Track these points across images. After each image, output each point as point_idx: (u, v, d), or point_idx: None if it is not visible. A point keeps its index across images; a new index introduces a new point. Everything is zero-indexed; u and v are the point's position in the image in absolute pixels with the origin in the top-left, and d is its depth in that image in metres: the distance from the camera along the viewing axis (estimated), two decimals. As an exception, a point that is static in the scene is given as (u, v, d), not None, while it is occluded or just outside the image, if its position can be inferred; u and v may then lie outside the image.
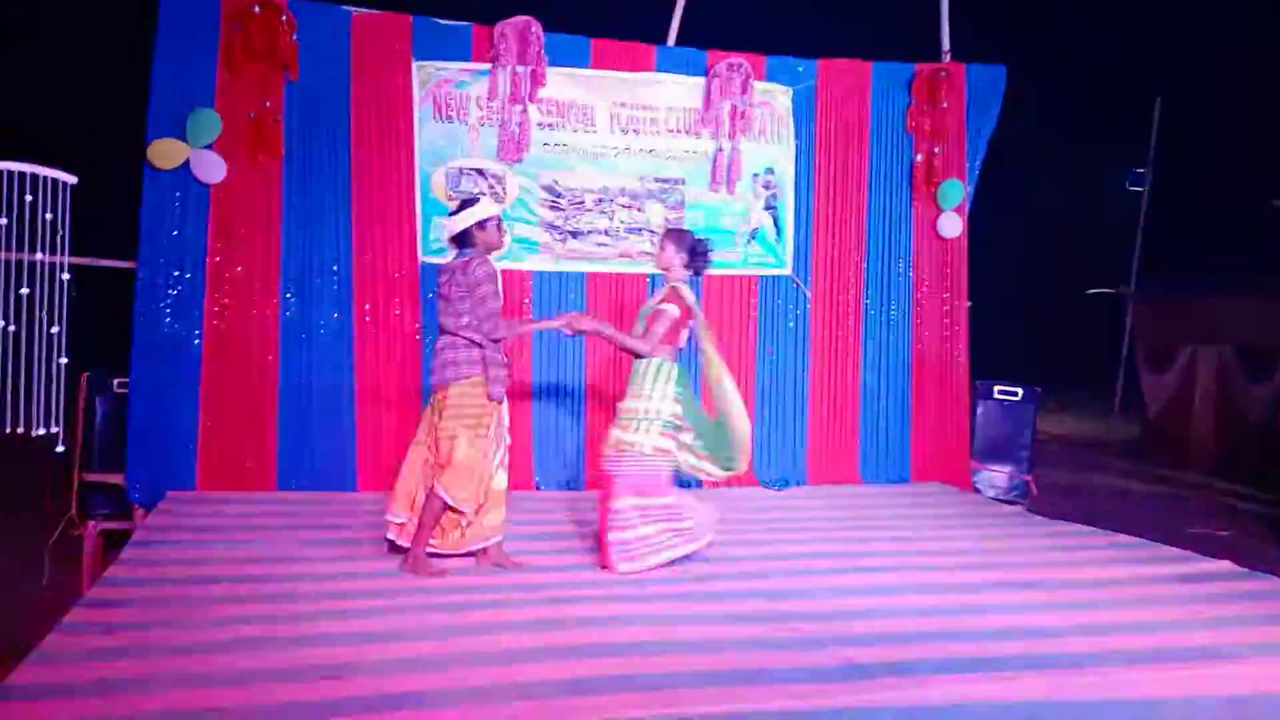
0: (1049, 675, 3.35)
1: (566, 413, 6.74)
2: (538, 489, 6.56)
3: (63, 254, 4.96)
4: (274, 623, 3.71)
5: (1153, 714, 3.32)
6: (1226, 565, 5.01)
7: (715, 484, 6.79)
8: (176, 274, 5.97)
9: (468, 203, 4.61)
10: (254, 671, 3.19)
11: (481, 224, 4.52)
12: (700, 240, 4.89)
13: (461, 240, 4.54)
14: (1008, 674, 3.34)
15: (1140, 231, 15.21)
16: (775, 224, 7.12)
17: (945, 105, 7.19)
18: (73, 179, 5.04)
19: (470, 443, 4.37)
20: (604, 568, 4.58)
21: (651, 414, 4.64)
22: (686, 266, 4.81)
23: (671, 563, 4.62)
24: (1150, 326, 12.93)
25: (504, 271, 6.51)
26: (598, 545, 4.70)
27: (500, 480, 4.60)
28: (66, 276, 4.97)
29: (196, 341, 5.99)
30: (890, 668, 3.37)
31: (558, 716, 2.93)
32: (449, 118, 6.49)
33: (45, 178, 4.91)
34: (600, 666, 3.33)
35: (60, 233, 4.93)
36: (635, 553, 4.55)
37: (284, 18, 6.00)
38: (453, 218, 4.58)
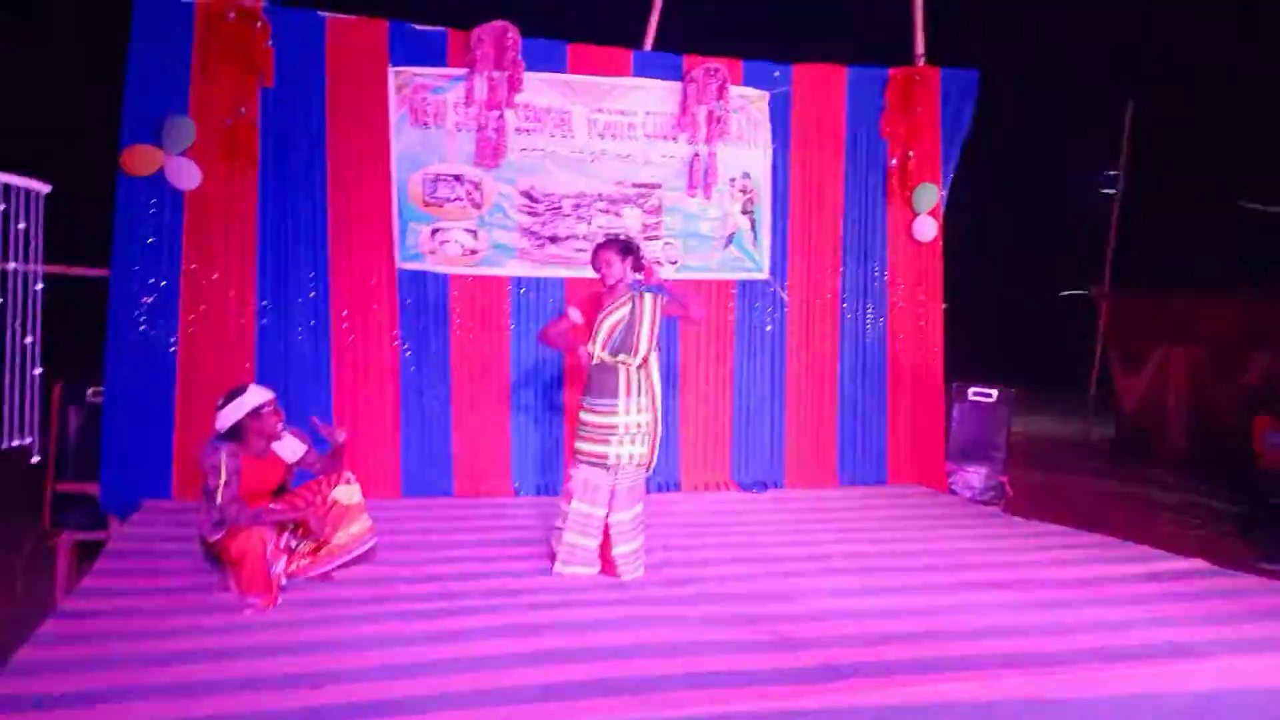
0: (1024, 674, 3.39)
1: (546, 417, 6.74)
2: (516, 494, 6.56)
3: (36, 263, 4.92)
4: (250, 631, 3.69)
5: (1126, 711, 3.37)
6: (1198, 563, 5.08)
7: (694, 487, 6.85)
8: (151, 282, 5.92)
9: (235, 393, 4.25)
10: (230, 681, 3.18)
11: (255, 413, 4.20)
12: (630, 240, 4.88)
13: (235, 434, 4.18)
14: (984, 673, 3.38)
15: (1112, 233, 15.36)
16: (752, 228, 7.15)
17: (919, 109, 7.26)
18: (45, 187, 5.01)
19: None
20: (610, 574, 4.65)
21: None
22: (634, 270, 4.75)
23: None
24: (1123, 327, 13.06)
25: (482, 278, 6.58)
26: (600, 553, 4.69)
27: (351, 495, 4.50)
28: (39, 286, 4.93)
29: (172, 350, 5.95)
30: (867, 668, 3.40)
31: (537, 722, 2.94)
32: (425, 123, 6.48)
33: (17, 186, 4.87)
34: (579, 671, 3.34)
35: (33, 241, 4.89)
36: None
37: (258, 24, 5.97)
38: (221, 411, 4.19)
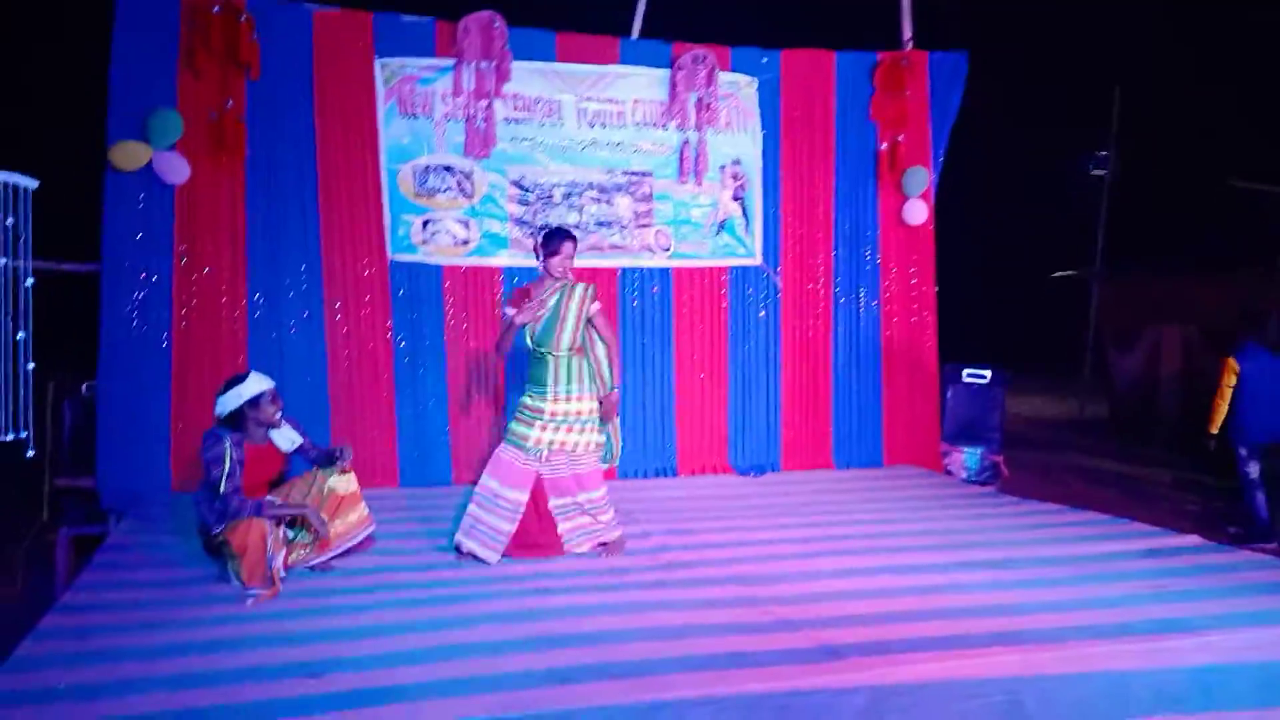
0: (1021, 651, 3.40)
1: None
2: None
3: (25, 258, 4.90)
4: (250, 622, 3.70)
5: (1122, 686, 3.39)
6: (1193, 539, 5.11)
7: (691, 472, 6.87)
8: (142, 276, 5.92)
9: (234, 381, 4.30)
10: (231, 672, 3.19)
11: (253, 402, 4.26)
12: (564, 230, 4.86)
13: (233, 422, 4.25)
14: (980, 651, 3.39)
15: (1103, 214, 15.40)
16: (744, 214, 7.15)
17: (908, 93, 7.27)
18: (33, 183, 4.98)
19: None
20: (555, 553, 4.72)
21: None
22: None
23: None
24: (1116, 308, 13.09)
25: (474, 268, 6.58)
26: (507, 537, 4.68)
27: (348, 484, 4.51)
28: (29, 281, 4.92)
29: (165, 344, 5.94)
30: (864, 648, 3.42)
31: (538, 706, 2.95)
32: (414, 114, 6.46)
33: (4, 182, 4.85)
34: (579, 655, 3.35)
35: (22, 237, 4.88)
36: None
37: (244, 17, 5.94)
38: (220, 398, 4.25)
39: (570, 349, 4.64)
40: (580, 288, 4.70)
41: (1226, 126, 16.95)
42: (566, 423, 4.65)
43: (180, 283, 5.98)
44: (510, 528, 4.61)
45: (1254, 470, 6.63)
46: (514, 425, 4.69)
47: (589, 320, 4.69)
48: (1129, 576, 4.40)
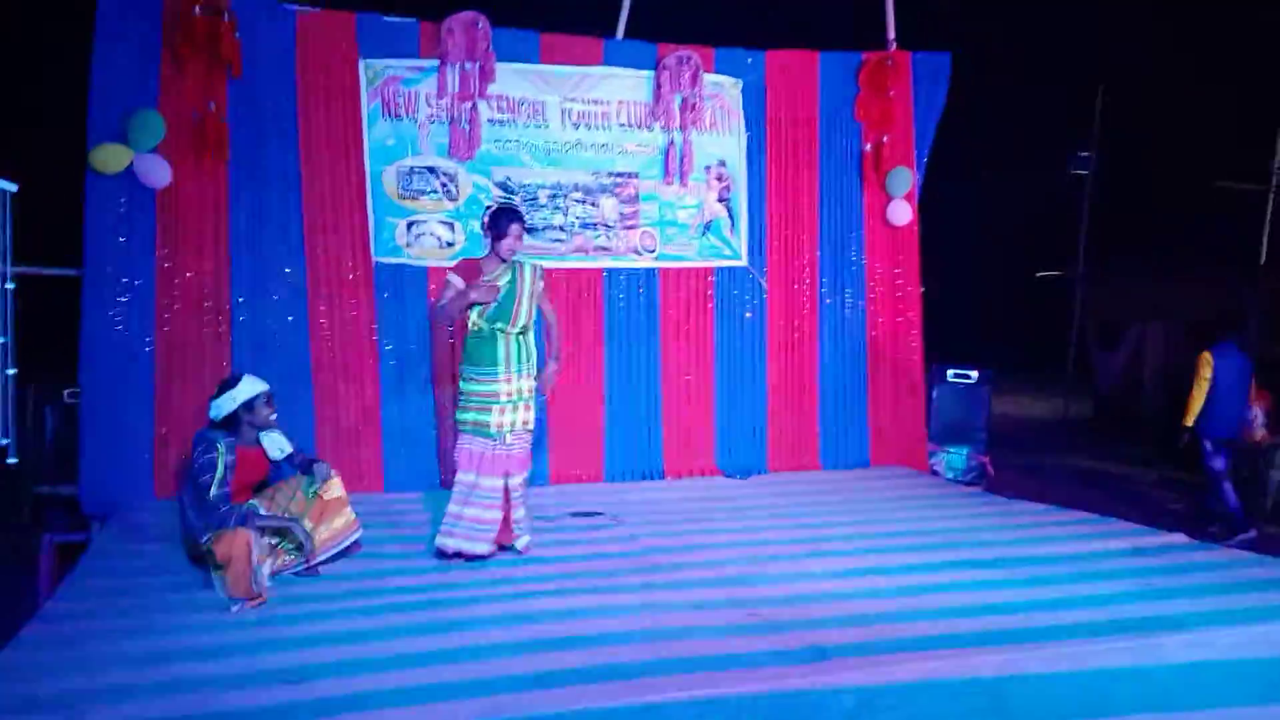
0: (1009, 651, 3.42)
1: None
2: (500, 486, 6.54)
3: (4, 263, 4.86)
4: (236, 628, 3.67)
5: (1111, 684, 3.40)
6: (1178, 537, 5.14)
7: (678, 474, 6.86)
8: (125, 281, 5.85)
9: (229, 384, 4.33)
10: (217, 678, 3.16)
11: (249, 405, 4.28)
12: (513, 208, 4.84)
13: (227, 425, 4.27)
14: (967, 651, 3.40)
15: (1086, 214, 15.47)
16: (729, 215, 7.15)
17: (892, 94, 7.28)
18: (12, 187, 4.94)
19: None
20: (505, 544, 4.71)
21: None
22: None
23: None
24: (1099, 308, 13.18)
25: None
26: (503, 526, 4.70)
27: (333, 489, 4.50)
28: (10, 286, 4.87)
29: (148, 349, 5.89)
30: (852, 649, 3.42)
31: (526, 710, 2.94)
32: (398, 115, 6.43)
33: (-16, 186, 4.81)
34: (566, 659, 3.34)
35: (1, 242, 4.83)
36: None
37: (226, 16, 5.89)
38: (214, 401, 4.28)
39: (523, 327, 4.66)
40: (529, 266, 4.73)
41: (1209, 126, 17.06)
42: (522, 400, 4.65)
43: (163, 286, 5.93)
44: (495, 515, 4.62)
45: (1219, 463, 6.78)
46: (470, 415, 4.60)
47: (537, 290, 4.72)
48: (1115, 575, 4.43)
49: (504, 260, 4.65)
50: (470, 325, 4.63)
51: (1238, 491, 6.81)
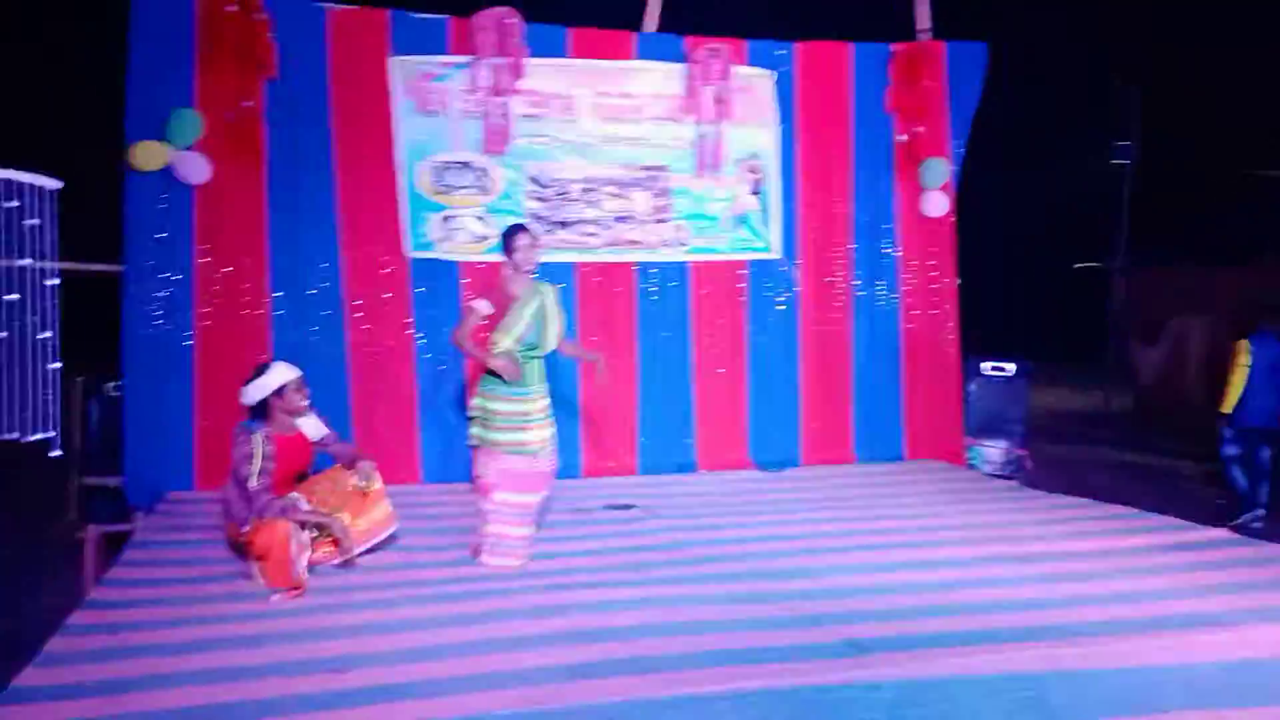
0: (1048, 647, 3.38)
1: (559, 401, 6.72)
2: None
3: (49, 259, 4.94)
4: (275, 618, 3.72)
5: (1152, 682, 3.35)
6: (1220, 533, 5.06)
7: (711, 467, 6.85)
8: (165, 276, 5.95)
9: (260, 370, 4.36)
10: (256, 667, 3.21)
11: (279, 391, 4.31)
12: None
13: (259, 412, 4.30)
14: (1007, 646, 3.37)
15: (1125, 205, 15.25)
16: (761, 208, 7.12)
17: (926, 84, 7.20)
18: (56, 184, 5.02)
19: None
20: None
21: None
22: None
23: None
24: (1139, 300, 12.99)
25: (493, 264, 6.50)
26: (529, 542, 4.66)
27: (371, 482, 4.52)
28: (54, 281, 4.95)
29: (188, 343, 5.98)
30: (889, 643, 3.40)
31: (560, 701, 2.95)
32: (431, 111, 6.47)
33: (29, 183, 4.89)
34: (600, 651, 3.35)
35: (46, 238, 4.91)
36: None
37: (259, 16, 5.96)
38: (246, 388, 4.31)
39: (548, 350, 4.69)
40: (548, 286, 4.76)
41: (1248, 115, 16.74)
42: (548, 417, 4.69)
43: (202, 282, 6.02)
44: (531, 532, 4.65)
45: (1232, 449, 7.04)
46: (506, 435, 4.53)
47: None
48: (1157, 571, 4.36)
49: (524, 274, 4.64)
50: (499, 349, 4.56)
51: (1253, 477, 7.01)
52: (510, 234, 4.68)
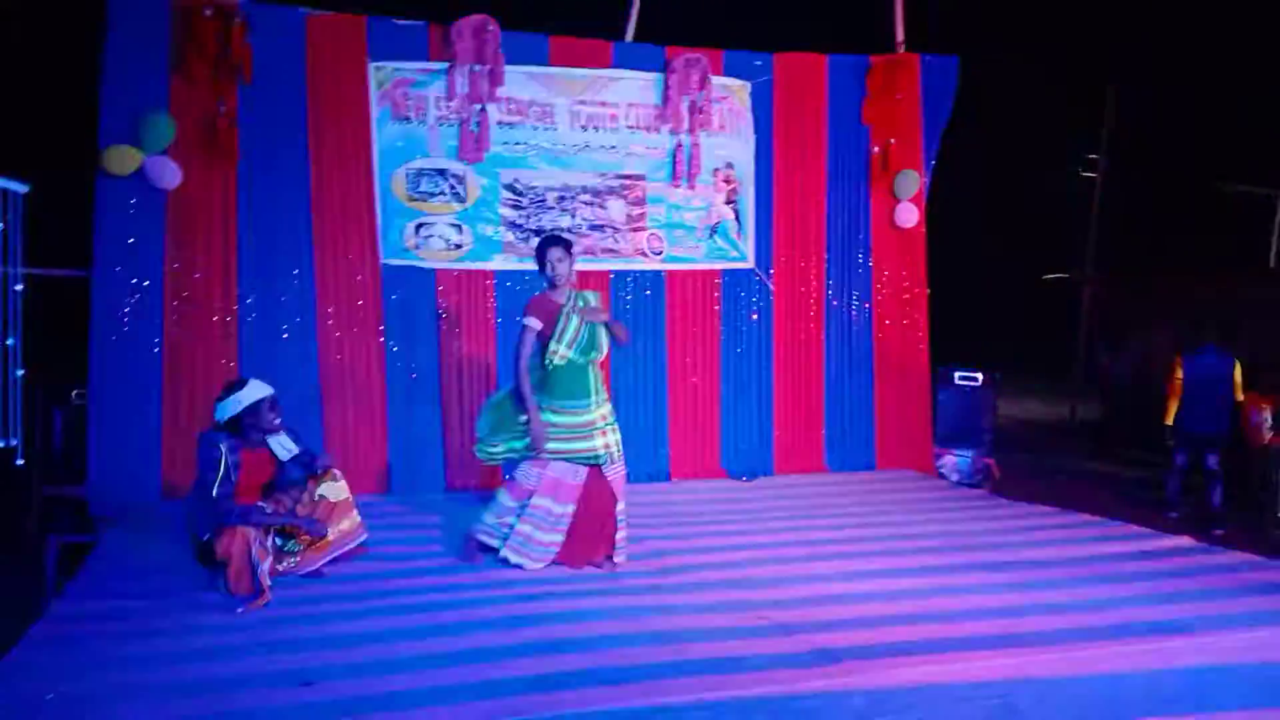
0: (1016, 654, 3.42)
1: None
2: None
3: (15, 264, 4.87)
4: (241, 629, 3.68)
5: (1118, 688, 3.40)
6: (1185, 541, 5.13)
7: (683, 476, 6.86)
8: (134, 282, 5.88)
9: (234, 387, 4.31)
10: (224, 680, 3.17)
11: (252, 409, 4.25)
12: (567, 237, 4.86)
13: (232, 428, 4.25)
14: (975, 654, 3.40)
15: (1095, 216, 15.45)
16: (737, 218, 7.15)
17: (900, 96, 7.28)
18: (23, 188, 4.95)
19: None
20: (606, 560, 4.65)
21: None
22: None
23: None
24: (1107, 310, 13.15)
25: (467, 271, 6.56)
26: (600, 542, 4.67)
27: (339, 491, 4.51)
28: (19, 287, 4.88)
29: (156, 350, 5.91)
30: (859, 651, 3.42)
31: (532, 712, 2.94)
32: (407, 118, 6.45)
33: (-6, 187, 4.82)
34: (572, 661, 3.34)
35: (11, 242, 4.84)
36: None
37: (236, 20, 5.92)
38: (220, 404, 4.26)
39: (603, 355, 4.70)
40: (592, 294, 4.77)
41: (1219, 129, 17.03)
42: (610, 424, 4.67)
43: (172, 288, 5.95)
44: (560, 538, 4.61)
45: (1179, 457, 7.42)
46: (564, 445, 4.58)
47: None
48: (1122, 578, 4.42)
49: (559, 287, 4.63)
50: (555, 359, 4.56)
51: (1205, 482, 7.36)
52: (541, 248, 4.66)
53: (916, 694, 3.20)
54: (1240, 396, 7.33)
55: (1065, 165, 16.81)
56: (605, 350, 4.68)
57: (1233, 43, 16.14)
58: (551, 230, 6.57)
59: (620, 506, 4.68)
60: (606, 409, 4.70)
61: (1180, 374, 7.30)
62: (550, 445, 4.57)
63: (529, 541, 4.59)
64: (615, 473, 4.66)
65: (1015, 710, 3.25)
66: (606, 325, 4.67)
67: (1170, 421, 7.33)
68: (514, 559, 4.58)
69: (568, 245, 4.69)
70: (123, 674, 3.21)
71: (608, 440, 4.64)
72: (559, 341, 4.55)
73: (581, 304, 4.65)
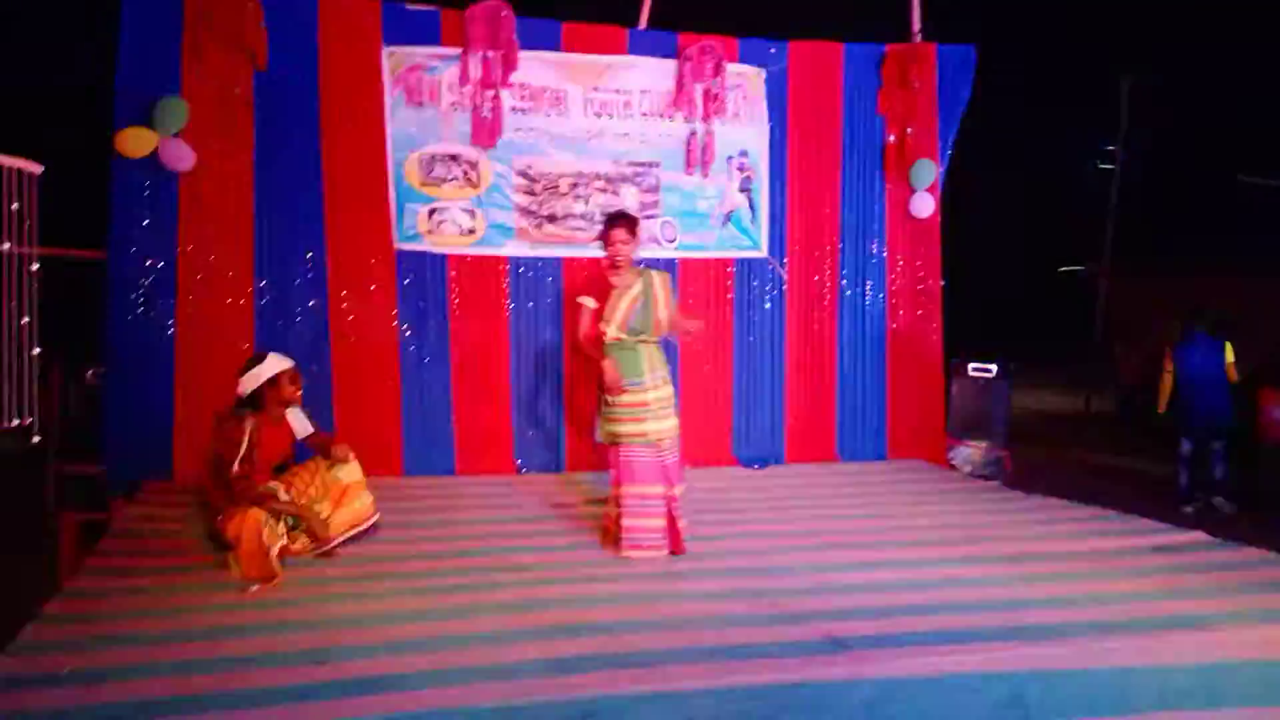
0: (1027, 646, 3.40)
1: (547, 395, 6.74)
2: (518, 472, 6.57)
3: (30, 244, 4.90)
4: (253, 608, 3.70)
5: (1128, 682, 3.38)
6: (1198, 536, 5.09)
7: (695, 463, 6.85)
8: (148, 263, 5.91)
9: (254, 361, 4.40)
10: (236, 658, 3.19)
11: (273, 381, 4.33)
12: (634, 214, 4.82)
13: (251, 402, 4.32)
14: (986, 646, 3.39)
15: (1112, 208, 15.33)
16: (750, 206, 7.13)
17: (916, 86, 7.22)
18: (38, 168, 4.98)
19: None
20: (677, 552, 4.58)
21: None
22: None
23: None
24: (1123, 303, 13.08)
25: (480, 257, 6.56)
26: (668, 532, 4.59)
27: (351, 473, 4.54)
28: (34, 267, 4.91)
29: (170, 331, 5.94)
30: (869, 641, 3.41)
31: (542, 695, 2.94)
32: (420, 103, 6.44)
33: (9, 167, 4.85)
34: (584, 645, 3.35)
35: (27, 223, 4.87)
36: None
37: (250, 3, 5.92)
38: (242, 378, 4.34)
39: (659, 335, 4.67)
40: (655, 273, 4.74)
41: (1236, 121, 16.86)
42: (665, 409, 4.64)
43: (186, 270, 5.98)
44: (663, 522, 4.55)
45: (1184, 447, 7.56)
46: (626, 427, 4.56)
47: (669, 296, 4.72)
48: (1135, 572, 4.39)
49: (619, 267, 4.63)
50: (609, 338, 4.60)
51: (1213, 466, 7.50)
52: (606, 226, 4.67)
53: (926, 684, 3.19)
54: (1235, 377, 7.43)
55: (1083, 157, 16.69)
56: (659, 332, 4.67)
57: (1255, 33, 15.95)
58: (565, 216, 6.55)
59: (679, 490, 4.67)
60: (664, 392, 4.64)
61: (1170, 366, 7.46)
62: (619, 428, 4.56)
63: (634, 531, 4.51)
64: (665, 459, 4.63)
65: (1024, 702, 3.24)
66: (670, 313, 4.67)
67: (1162, 411, 7.58)
68: (634, 555, 4.47)
69: (632, 225, 4.66)
70: (136, 650, 3.23)
71: (658, 427, 4.58)
72: (609, 322, 4.58)
73: (644, 285, 4.63)
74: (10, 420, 4.84)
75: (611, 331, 4.59)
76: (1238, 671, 3.48)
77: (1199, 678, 3.44)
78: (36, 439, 5.03)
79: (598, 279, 4.75)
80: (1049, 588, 4.14)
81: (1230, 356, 7.35)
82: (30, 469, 5.97)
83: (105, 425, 5.81)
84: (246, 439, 4.13)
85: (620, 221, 4.66)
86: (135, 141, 5.73)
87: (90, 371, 6.00)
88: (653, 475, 4.56)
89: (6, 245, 4.76)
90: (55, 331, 5.51)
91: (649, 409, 4.58)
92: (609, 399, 4.60)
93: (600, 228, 4.82)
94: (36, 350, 4.93)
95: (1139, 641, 3.49)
